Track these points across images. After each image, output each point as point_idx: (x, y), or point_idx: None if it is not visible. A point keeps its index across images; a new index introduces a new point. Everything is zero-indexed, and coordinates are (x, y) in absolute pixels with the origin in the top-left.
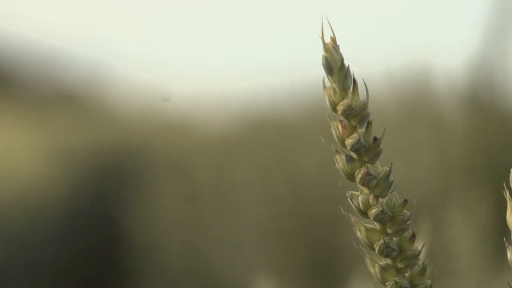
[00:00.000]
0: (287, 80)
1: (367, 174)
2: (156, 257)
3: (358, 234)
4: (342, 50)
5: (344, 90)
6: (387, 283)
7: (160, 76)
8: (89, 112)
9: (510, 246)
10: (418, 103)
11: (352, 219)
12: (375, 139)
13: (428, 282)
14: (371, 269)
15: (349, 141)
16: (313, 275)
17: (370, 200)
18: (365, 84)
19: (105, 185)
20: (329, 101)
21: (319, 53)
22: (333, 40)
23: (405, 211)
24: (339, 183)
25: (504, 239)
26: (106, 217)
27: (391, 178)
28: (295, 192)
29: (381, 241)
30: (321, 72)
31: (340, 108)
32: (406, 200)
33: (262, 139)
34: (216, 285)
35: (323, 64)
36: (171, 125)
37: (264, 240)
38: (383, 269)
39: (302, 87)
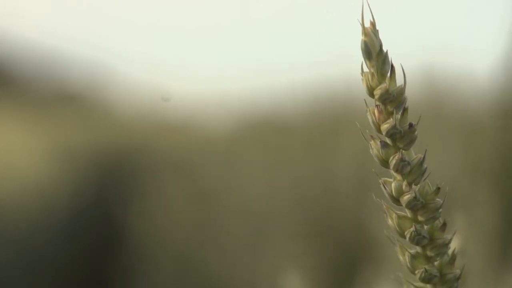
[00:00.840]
0: (288, 79)
1: (402, 160)
2: (157, 257)
3: (389, 221)
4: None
5: (382, 75)
6: (416, 272)
7: (161, 76)
8: (90, 112)
9: None
10: (446, 101)
11: (384, 206)
12: (410, 125)
13: (458, 271)
14: (401, 258)
15: (385, 126)
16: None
17: (403, 187)
18: (403, 70)
19: (106, 184)
20: (367, 85)
21: (319, 53)
22: (373, 24)
23: (437, 199)
24: (373, 170)
25: None
26: (106, 217)
27: (425, 165)
28: (299, 190)
29: (412, 229)
30: (321, 71)
31: (377, 92)
32: (439, 188)
33: (264, 138)
34: (218, 286)
35: (362, 49)
36: (171, 125)
37: (269, 238)
38: (413, 257)
39: (304, 86)
